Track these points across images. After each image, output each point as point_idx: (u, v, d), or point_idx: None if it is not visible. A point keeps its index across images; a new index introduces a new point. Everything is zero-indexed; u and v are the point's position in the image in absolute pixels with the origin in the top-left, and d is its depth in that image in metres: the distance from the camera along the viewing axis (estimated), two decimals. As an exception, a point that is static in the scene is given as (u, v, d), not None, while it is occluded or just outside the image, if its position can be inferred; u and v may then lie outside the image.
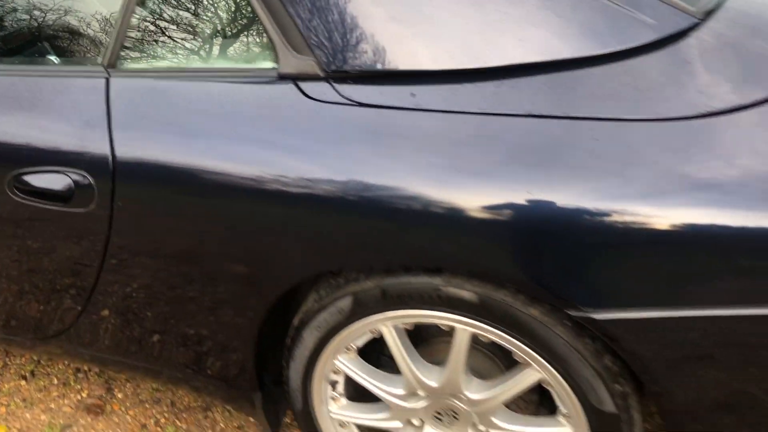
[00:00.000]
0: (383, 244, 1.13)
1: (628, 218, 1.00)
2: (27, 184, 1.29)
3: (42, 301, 1.47)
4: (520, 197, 1.04)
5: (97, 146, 1.24)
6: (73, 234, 1.32)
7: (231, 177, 1.16)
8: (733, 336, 1.04)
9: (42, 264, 1.40)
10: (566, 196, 1.02)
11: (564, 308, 1.07)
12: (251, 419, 1.76)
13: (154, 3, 1.30)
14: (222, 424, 1.75)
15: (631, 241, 1.01)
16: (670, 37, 1.10)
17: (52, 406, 1.82)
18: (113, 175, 1.24)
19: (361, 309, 1.22)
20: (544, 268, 1.06)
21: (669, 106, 1.04)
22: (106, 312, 1.43)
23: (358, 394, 1.40)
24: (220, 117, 1.20)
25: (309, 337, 1.29)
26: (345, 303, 1.23)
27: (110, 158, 1.23)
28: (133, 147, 1.23)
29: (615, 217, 1.01)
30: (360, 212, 1.11)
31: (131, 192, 1.24)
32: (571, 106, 1.06)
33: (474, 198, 1.06)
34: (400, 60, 1.13)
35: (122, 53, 1.27)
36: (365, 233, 1.12)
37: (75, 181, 1.25)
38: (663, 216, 0.99)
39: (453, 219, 1.06)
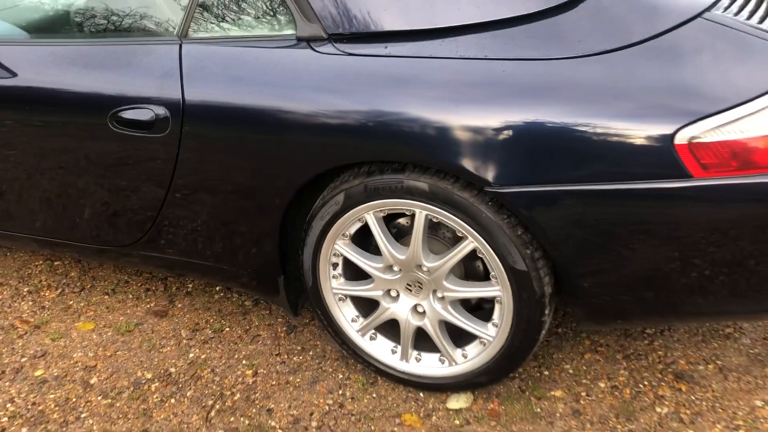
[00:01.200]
0: (364, 150, 1.65)
1: (517, 119, 1.50)
2: (122, 118, 1.85)
3: (125, 213, 2.03)
4: (452, 112, 1.55)
5: (173, 90, 1.80)
6: (153, 155, 1.88)
7: (263, 110, 1.71)
8: (604, 209, 1.52)
9: (128, 180, 1.96)
10: (480, 109, 1.53)
11: (483, 186, 1.57)
12: (278, 309, 2.27)
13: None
14: (257, 322, 2.27)
15: (519, 135, 1.51)
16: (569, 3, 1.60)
17: (128, 311, 2.37)
18: (182, 110, 1.79)
19: (350, 201, 1.74)
20: (467, 158, 1.56)
21: (556, 50, 1.54)
22: (173, 220, 1.98)
23: (353, 274, 1.90)
24: (258, 69, 1.74)
25: (316, 226, 1.82)
26: (340, 197, 1.75)
27: (181, 98, 1.79)
28: (196, 92, 1.79)
29: (509, 118, 1.51)
30: (347, 129, 1.64)
31: (194, 122, 1.80)
32: (494, 51, 1.57)
33: (423, 115, 1.57)
34: (379, 24, 1.66)
35: (190, 27, 1.84)
36: (350, 143, 1.65)
37: (156, 114, 1.81)
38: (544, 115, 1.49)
39: (411, 130, 1.57)
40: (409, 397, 1.92)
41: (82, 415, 1.92)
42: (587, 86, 1.52)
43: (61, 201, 2.10)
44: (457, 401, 1.88)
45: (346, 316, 1.95)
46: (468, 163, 1.57)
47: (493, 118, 1.53)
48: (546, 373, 1.96)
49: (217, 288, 2.44)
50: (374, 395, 1.94)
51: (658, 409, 1.81)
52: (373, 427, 1.83)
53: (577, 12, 1.61)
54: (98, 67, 1.91)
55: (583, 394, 1.88)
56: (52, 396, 1.99)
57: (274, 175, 1.77)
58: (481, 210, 1.62)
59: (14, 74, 1.98)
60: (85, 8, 2.12)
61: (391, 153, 1.65)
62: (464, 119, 1.55)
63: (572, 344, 2.06)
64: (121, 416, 1.91)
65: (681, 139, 1.45)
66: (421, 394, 1.92)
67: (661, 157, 1.47)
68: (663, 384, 1.89)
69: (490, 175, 1.56)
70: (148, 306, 2.39)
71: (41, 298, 2.45)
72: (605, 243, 1.58)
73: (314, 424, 1.86)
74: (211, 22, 1.86)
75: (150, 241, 2.07)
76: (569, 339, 2.08)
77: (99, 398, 1.98)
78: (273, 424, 1.87)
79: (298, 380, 2.01)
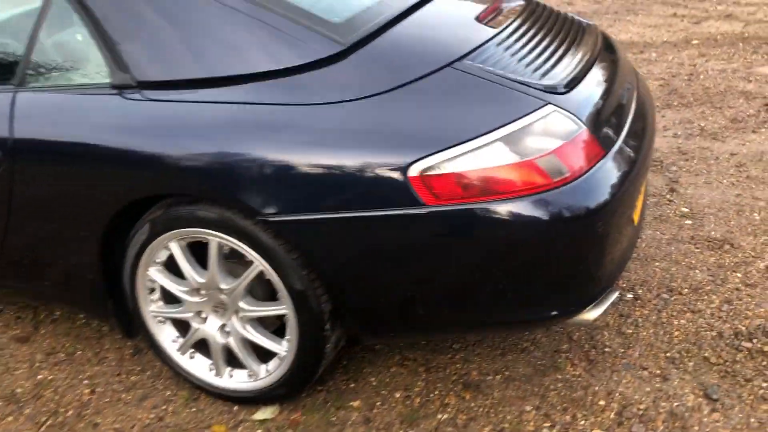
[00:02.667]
0: (161, 184, 1.86)
1: (280, 156, 1.72)
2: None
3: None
4: (229, 150, 1.76)
5: (6, 133, 2.01)
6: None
7: (78, 149, 1.92)
8: (355, 235, 1.73)
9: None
10: (250, 148, 1.75)
11: (256, 216, 1.78)
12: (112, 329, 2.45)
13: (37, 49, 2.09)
14: (108, 345, 2.45)
15: (282, 169, 1.72)
16: (328, 58, 1.83)
17: (-6, 338, 2.54)
18: (14, 149, 2.00)
19: (155, 230, 1.94)
20: (241, 191, 1.77)
21: (320, 96, 1.76)
22: (15, 250, 2.17)
23: (170, 298, 2.10)
24: (76, 114, 1.96)
25: (130, 254, 2.02)
26: (146, 227, 1.95)
27: (12, 140, 2.00)
28: (24, 134, 2.00)
29: (274, 156, 1.73)
30: (147, 166, 1.85)
31: (24, 160, 2.00)
32: (267, 98, 1.79)
33: (206, 152, 1.78)
34: (177, 73, 1.88)
35: (25, 77, 2.05)
36: (149, 178, 1.86)
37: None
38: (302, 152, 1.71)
39: (197, 166, 1.78)
40: (224, 410, 2.11)
41: None
42: (340, 127, 1.74)
43: None
44: (264, 413, 2.07)
45: (167, 336, 2.14)
46: (242, 195, 1.78)
47: (260, 156, 1.75)
48: (352, 385, 2.16)
49: (81, 315, 2.62)
50: (194, 409, 2.12)
51: (440, 416, 2.01)
52: (183, 437, 2.02)
53: (343, 64, 1.83)
54: None
55: (378, 403, 2.07)
56: None
57: (90, 207, 1.98)
58: (260, 236, 1.82)
59: None
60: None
61: (183, 187, 1.86)
62: (238, 157, 1.77)
63: (383, 359, 2.25)
64: (-43, 432, 2.08)
65: (413, 171, 1.67)
66: (236, 408, 2.11)
67: (398, 187, 1.69)
68: (451, 393, 2.09)
69: (260, 205, 1.77)
70: (14, 333, 2.56)
71: None
72: (361, 264, 1.80)
73: (132, 435, 2.04)
74: (42, 73, 2.08)
75: (-1, 270, 2.26)
76: (381, 354, 2.27)
77: (-58, 417, 2.15)
78: (95, 436, 2.04)
79: (130, 397, 2.19)
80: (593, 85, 2.01)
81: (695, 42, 5.47)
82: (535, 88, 1.83)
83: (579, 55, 2.11)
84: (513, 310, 1.86)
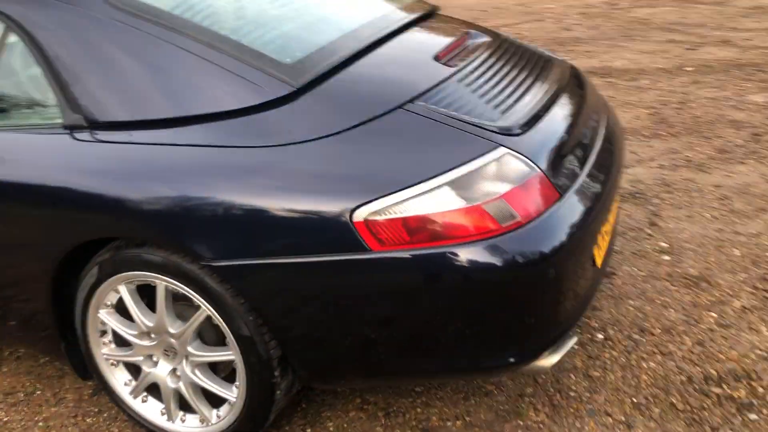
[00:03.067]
0: (105, 227, 1.83)
1: (223, 199, 1.68)
2: None
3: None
4: (172, 193, 1.73)
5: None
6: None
7: (27, 189, 1.89)
8: (298, 280, 1.69)
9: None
10: (194, 190, 1.71)
11: (199, 260, 1.74)
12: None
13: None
14: (68, 385, 2.40)
15: (224, 214, 1.68)
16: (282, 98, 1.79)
17: (-44, 376, 2.51)
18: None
19: (103, 273, 1.91)
20: (184, 235, 1.73)
21: (266, 139, 1.73)
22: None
23: (123, 341, 2.06)
24: (28, 153, 1.93)
25: (80, 297, 1.98)
26: (95, 270, 1.91)
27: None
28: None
29: (217, 199, 1.69)
30: (93, 207, 1.82)
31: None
32: (214, 139, 1.76)
33: (150, 196, 1.75)
34: (127, 114, 1.85)
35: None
36: (95, 220, 1.83)
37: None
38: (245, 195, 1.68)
39: (141, 209, 1.75)
40: (177, 455, 2.05)
41: None
42: (286, 170, 1.71)
43: None
44: (216, 459, 2.01)
45: (119, 379, 2.10)
46: (186, 239, 1.74)
47: (203, 199, 1.72)
48: (309, 430, 2.10)
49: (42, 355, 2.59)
50: (147, 454, 2.07)
51: (394, 464, 1.95)
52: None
53: (292, 106, 1.80)
54: None
55: (333, 450, 2.02)
56: None
57: (40, 248, 1.95)
58: (206, 281, 1.78)
59: None
60: None
61: (128, 229, 1.82)
62: (181, 200, 1.73)
63: (342, 402, 2.20)
64: None
65: (358, 216, 1.63)
66: (189, 453, 2.06)
67: (343, 232, 1.64)
68: (409, 440, 2.03)
69: (204, 249, 1.74)
70: (-24, 373, 2.53)
71: None
72: (307, 310, 1.75)
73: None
74: (-2, 112, 2.06)
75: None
76: (341, 396, 2.22)
77: None
78: (43, 483, 2.00)
79: (83, 441, 2.15)
80: (554, 124, 1.97)
81: (689, 69, 5.43)
82: (488, 130, 1.80)
83: (542, 93, 2.07)
84: (467, 357, 1.80)
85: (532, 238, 1.69)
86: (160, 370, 2.01)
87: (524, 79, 2.11)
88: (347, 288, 1.71)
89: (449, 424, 2.08)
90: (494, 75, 2.08)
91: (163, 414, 2.07)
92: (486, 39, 2.35)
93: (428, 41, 2.23)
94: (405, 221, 1.64)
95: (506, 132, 1.81)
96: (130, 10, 1.91)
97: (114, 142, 1.86)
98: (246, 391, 1.89)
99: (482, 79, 2.03)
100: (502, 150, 1.76)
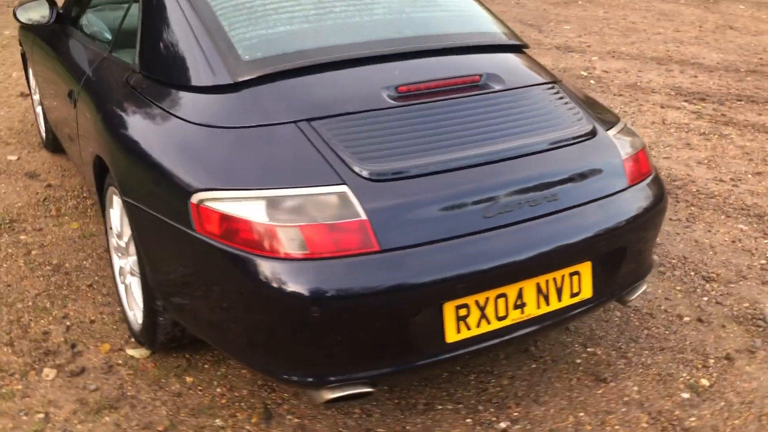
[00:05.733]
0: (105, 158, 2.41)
1: (137, 148, 2.12)
2: None
3: None
4: (122, 142, 2.22)
5: None
6: None
7: None
8: (159, 233, 2.04)
9: None
10: (131, 137, 2.18)
11: (121, 194, 2.20)
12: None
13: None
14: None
15: (130, 163, 2.11)
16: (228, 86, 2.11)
17: None
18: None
19: (107, 185, 2.49)
20: (118, 175, 2.21)
21: (222, 119, 2.07)
22: None
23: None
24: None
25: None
26: (107, 181, 2.51)
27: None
28: None
29: (143, 145, 2.13)
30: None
31: None
32: (169, 105, 2.19)
33: (115, 139, 2.27)
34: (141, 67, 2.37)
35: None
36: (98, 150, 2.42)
37: None
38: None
39: (106, 147, 2.28)
40: (121, 335, 2.60)
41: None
42: (182, 142, 2.08)
43: None
44: (135, 351, 2.53)
45: (116, 265, 2.70)
46: (117, 176, 2.23)
47: (131, 147, 2.18)
48: (206, 366, 2.46)
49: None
50: (105, 325, 2.66)
51: (233, 418, 2.21)
52: None
53: (224, 96, 2.12)
54: None
55: (200, 389, 2.35)
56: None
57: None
58: (126, 209, 2.24)
59: None
60: None
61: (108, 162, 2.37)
62: (124, 145, 2.21)
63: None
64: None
65: (194, 198, 1.91)
66: (127, 337, 2.59)
67: (183, 207, 1.94)
68: (248, 409, 2.26)
69: (122, 185, 2.21)
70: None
71: None
72: (157, 256, 2.17)
73: None
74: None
75: None
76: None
77: None
78: None
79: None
80: (434, 186, 1.92)
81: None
82: (349, 168, 1.88)
83: (456, 157, 1.99)
84: (259, 358, 1.96)
85: (304, 274, 1.77)
86: (122, 263, 2.55)
87: (455, 139, 2.04)
88: (178, 252, 2.02)
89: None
90: (431, 124, 2.07)
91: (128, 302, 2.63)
92: (473, 87, 2.24)
93: (417, 71, 2.25)
94: (222, 217, 1.86)
95: (368, 176, 1.87)
96: None
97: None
98: (143, 307, 2.33)
99: (407, 123, 2.04)
100: (343, 188, 1.85)
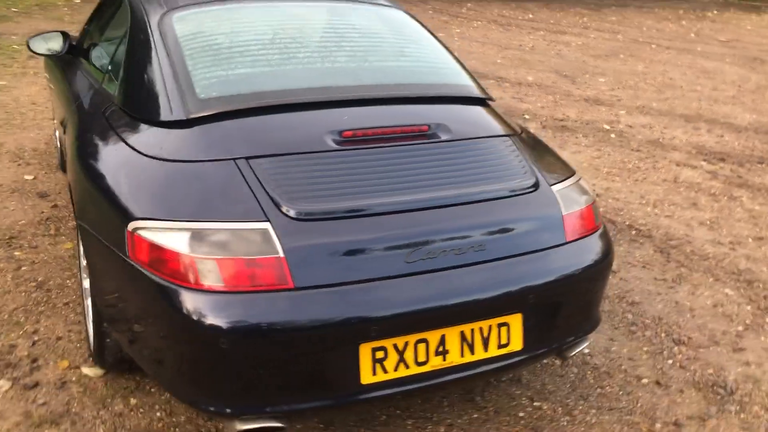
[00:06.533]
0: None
1: (90, 174, 2.24)
2: None
3: None
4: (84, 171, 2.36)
5: None
6: None
7: None
8: (99, 255, 2.15)
9: None
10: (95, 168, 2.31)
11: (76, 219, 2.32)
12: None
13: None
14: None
15: (83, 187, 2.24)
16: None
17: None
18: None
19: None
20: (74, 197, 2.34)
21: (168, 152, 2.19)
22: None
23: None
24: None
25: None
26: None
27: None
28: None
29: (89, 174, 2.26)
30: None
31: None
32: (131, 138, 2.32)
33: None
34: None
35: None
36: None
37: None
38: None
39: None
40: (80, 353, 2.70)
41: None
42: (132, 172, 2.19)
43: None
44: (90, 370, 2.61)
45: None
46: (74, 198, 2.36)
47: (90, 174, 2.30)
48: (152, 390, 2.53)
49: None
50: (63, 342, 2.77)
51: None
52: None
53: (176, 131, 2.22)
54: None
55: (141, 411, 2.42)
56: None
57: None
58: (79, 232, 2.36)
59: None
60: None
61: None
62: (86, 173, 2.34)
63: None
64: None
65: (130, 226, 2.01)
66: (86, 356, 2.68)
67: (120, 234, 2.03)
68: (183, 436, 2.31)
69: (77, 212, 2.33)
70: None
71: None
72: (96, 278, 2.25)
73: None
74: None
75: None
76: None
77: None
78: None
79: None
80: (352, 227, 1.98)
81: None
82: (276, 206, 1.95)
83: (385, 199, 2.05)
84: (184, 389, 2.02)
85: (216, 306, 1.84)
86: (86, 284, 2.66)
87: (388, 185, 2.09)
88: (115, 276, 2.11)
89: (221, 445, 2.29)
90: (368, 169, 2.12)
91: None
92: (420, 139, 2.28)
93: (365, 118, 2.32)
94: (151, 246, 1.95)
95: (294, 215, 1.94)
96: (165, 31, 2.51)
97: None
98: (93, 327, 2.44)
99: (344, 167, 2.11)
100: (265, 225, 1.92)
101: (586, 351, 2.90)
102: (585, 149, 5.69)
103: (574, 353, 2.33)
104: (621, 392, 2.66)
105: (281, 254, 1.89)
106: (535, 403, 2.58)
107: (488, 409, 2.54)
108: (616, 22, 14.24)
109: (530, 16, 14.27)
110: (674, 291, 3.46)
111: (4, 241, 3.56)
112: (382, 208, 2.03)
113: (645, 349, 2.95)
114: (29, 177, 4.41)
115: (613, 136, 6.11)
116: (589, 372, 2.78)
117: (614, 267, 3.64)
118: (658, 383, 2.73)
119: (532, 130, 6.06)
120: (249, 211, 1.95)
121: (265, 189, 2.00)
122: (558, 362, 2.81)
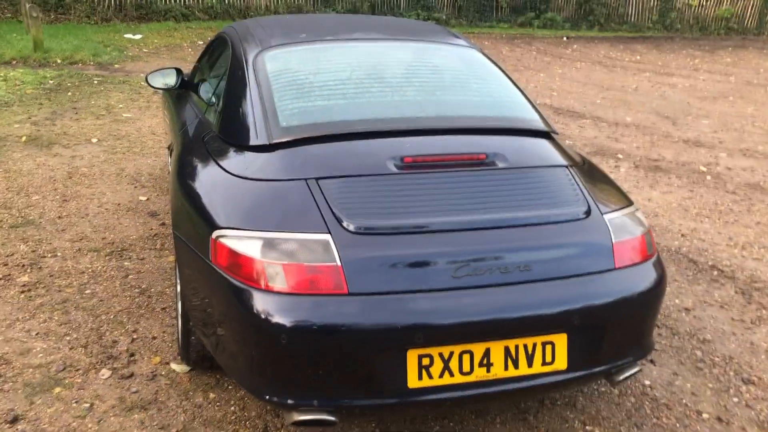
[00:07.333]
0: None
1: (188, 188, 2.56)
2: None
3: None
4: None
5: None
6: None
7: None
8: (190, 262, 2.44)
9: None
10: (189, 181, 2.63)
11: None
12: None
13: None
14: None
15: (178, 201, 2.55)
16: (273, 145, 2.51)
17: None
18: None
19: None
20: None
21: (251, 172, 2.48)
22: None
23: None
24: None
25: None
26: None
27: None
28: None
29: (191, 188, 2.57)
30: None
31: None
32: (223, 160, 2.62)
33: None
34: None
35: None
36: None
37: None
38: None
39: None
40: (172, 350, 3.01)
41: None
42: (224, 190, 2.47)
43: None
44: (178, 366, 2.91)
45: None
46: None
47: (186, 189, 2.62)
48: (230, 387, 2.78)
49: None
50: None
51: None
52: None
53: (261, 154, 2.50)
54: None
55: (218, 404, 2.67)
56: None
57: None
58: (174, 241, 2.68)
59: None
60: None
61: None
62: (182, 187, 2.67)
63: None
64: None
65: (214, 234, 2.29)
66: (175, 352, 2.99)
67: (206, 241, 2.32)
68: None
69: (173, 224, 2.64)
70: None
71: None
72: (186, 280, 2.50)
73: None
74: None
75: None
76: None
77: None
78: None
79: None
80: (405, 242, 2.17)
81: None
82: (338, 221, 2.18)
83: (439, 218, 2.23)
84: (248, 379, 2.25)
85: (280, 306, 2.07)
86: (179, 289, 2.97)
87: (443, 205, 2.27)
88: (199, 278, 2.39)
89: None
90: (424, 191, 2.32)
91: (181, 324, 3.05)
92: (479, 165, 2.45)
93: (426, 146, 2.51)
94: (229, 251, 2.22)
95: (353, 229, 2.16)
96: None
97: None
98: (180, 327, 2.73)
99: (402, 188, 2.31)
100: (326, 237, 2.14)
101: (647, 383, 2.92)
102: (677, 189, 5.62)
103: (622, 378, 2.39)
104: (678, 424, 2.68)
105: (339, 263, 2.10)
106: (587, 427, 2.64)
107: (540, 429, 2.62)
108: (730, 64, 13.82)
109: (638, 57, 14.10)
110: (751, 332, 3.40)
111: (116, 253, 3.98)
112: (433, 226, 2.21)
113: (710, 385, 2.94)
114: (143, 198, 4.88)
115: (709, 177, 6.00)
116: (647, 402, 2.80)
117: (689, 305, 3.63)
118: (719, 419, 2.72)
119: (623, 170, 6.05)
120: (314, 224, 2.18)
121: (329, 205, 2.23)
122: (616, 390, 2.85)
